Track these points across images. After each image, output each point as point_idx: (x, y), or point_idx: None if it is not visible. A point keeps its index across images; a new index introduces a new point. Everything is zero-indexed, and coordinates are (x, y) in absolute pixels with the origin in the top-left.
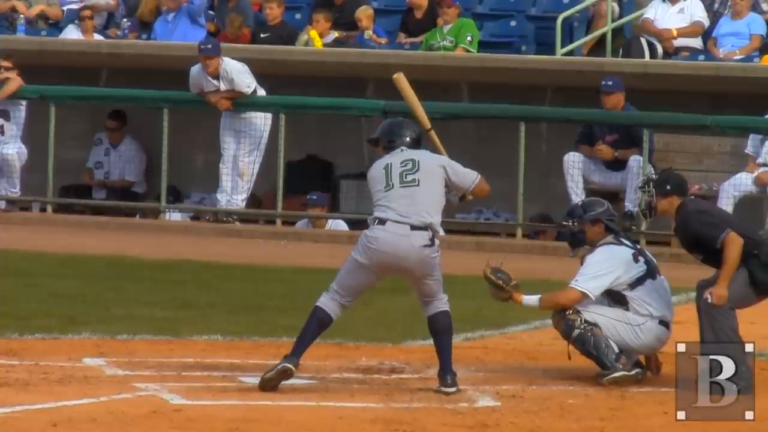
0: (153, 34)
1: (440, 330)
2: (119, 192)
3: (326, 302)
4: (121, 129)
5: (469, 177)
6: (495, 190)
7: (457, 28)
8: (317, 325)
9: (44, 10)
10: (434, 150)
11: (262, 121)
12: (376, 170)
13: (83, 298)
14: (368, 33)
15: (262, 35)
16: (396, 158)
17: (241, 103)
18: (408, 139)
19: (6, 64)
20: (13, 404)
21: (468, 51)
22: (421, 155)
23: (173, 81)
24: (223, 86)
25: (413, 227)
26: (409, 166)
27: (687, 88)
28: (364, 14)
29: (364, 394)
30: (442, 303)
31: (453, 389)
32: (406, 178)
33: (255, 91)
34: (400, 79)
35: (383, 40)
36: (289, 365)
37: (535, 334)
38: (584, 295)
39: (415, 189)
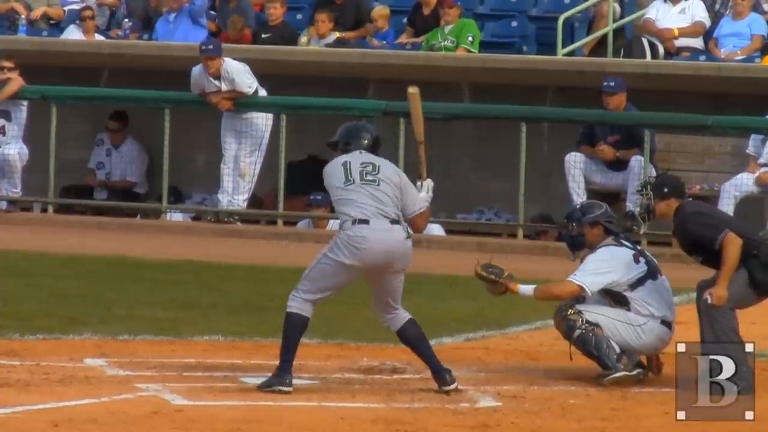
0: (154, 34)
1: (416, 338)
2: (121, 192)
3: (301, 306)
4: (122, 130)
5: (416, 204)
6: (496, 190)
7: (458, 28)
8: (299, 331)
9: (45, 11)
10: (418, 163)
11: (263, 121)
12: (334, 166)
13: (84, 298)
14: (369, 38)
15: (263, 35)
16: (354, 158)
17: (243, 103)
18: (365, 141)
19: (8, 64)
20: (15, 405)
21: (469, 51)
22: (381, 161)
23: (174, 81)
24: (224, 87)
25: (392, 221)
26: (369, 168)
27: (688, 88)
28: (379, 14)
29: (366, 394)
30: (404, 312)
31: (453, 385)
32: (366, 176)
33: (256, 92)
34: (416, 96)
35: (383, 44)
36: (286, 389)
37: (536, 334)
38: (580, 289)
39: (376, 187)
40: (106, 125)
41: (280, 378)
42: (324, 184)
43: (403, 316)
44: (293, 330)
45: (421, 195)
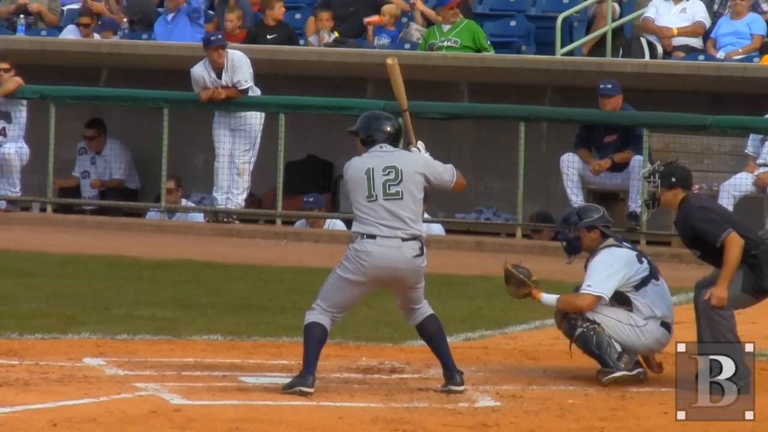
0: (152, 34)
1: (434, 333)
2: (114, 191)
3: (320, 317)
4: (100, 136)
5: (447, 176)
6: (495, 190)
7: (464, 29)
8: (319, 341)
9: (42, 9)
10: (405, 131)
11: (256, 119)
12: (357, 172)
13: (83, 298)
14: (369, 36)
15: (263, 35)
16: (377, 161)
17: (242, 103)
18: (386, 132)
19: (3, 65)
20: (14, 404)
21: (486, 51)
22: (402, 161)
23: (173, 81)
24: (226, 78)
25: (403, 239)
26: (392, 176)
27: (687, 88)
28: (388, 12)
29: (365, 393)
30: (426, 308)
31: (461, 388)
32: (389, 189)
33: (249, 89)
34: (394, 66)
35: (387, 41)
36: (308, 390)
37: (535, 334)
38: (599, 299)
39: (399, 202)
40: (84, 134)
41: (302, 378)
42: (346, 186)
43: (424, 311)
44: (312, 339)
45: (424, 155)
